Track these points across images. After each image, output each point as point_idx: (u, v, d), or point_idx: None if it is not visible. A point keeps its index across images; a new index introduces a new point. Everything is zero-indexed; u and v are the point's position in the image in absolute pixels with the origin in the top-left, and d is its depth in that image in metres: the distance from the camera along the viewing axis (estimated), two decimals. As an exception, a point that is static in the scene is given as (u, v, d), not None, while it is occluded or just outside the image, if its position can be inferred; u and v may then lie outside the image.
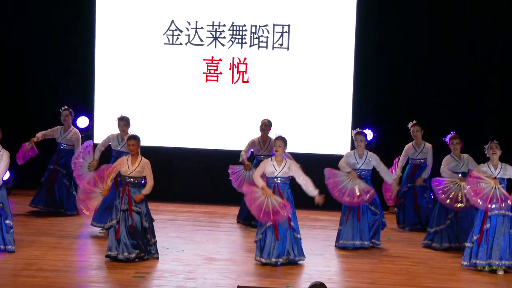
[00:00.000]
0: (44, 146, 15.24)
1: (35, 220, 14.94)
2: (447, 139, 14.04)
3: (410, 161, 14.98)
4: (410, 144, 14.89)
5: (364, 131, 14.90)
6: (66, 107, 15.08)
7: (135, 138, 12.64)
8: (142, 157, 12.63)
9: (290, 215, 12.49)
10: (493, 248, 12.36)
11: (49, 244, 13.46)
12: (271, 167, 12.62)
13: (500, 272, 12.30)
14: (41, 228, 14.40)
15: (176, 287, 11.60)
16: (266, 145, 14.59)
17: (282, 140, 12.70)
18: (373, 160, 13.49)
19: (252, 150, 14.69)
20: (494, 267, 12.34)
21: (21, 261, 12.54)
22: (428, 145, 14.84)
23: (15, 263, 12.54)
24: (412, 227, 14.93)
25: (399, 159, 14.92)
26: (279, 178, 12.59)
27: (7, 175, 16.00)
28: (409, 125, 14.77)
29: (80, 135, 15.15)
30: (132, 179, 12.53)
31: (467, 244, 12.61)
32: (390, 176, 13.87)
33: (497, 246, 12.35)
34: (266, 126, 14.63)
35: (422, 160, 14.87)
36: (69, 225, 14.65)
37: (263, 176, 12.59)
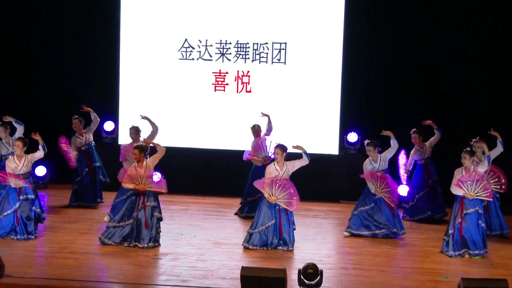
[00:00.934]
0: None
1: (66, 209, 14.97)
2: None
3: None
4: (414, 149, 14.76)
5: (350, 134, 15.02)
6: (76, 116, 14.99)
7: (137, 148, 12.68)
8: (146, 161, 12.70)
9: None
10: (466, 240, 12.43)
11: (79, 230, 13.56)
12: (275, 171, 12.75)
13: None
14: (72, 216, 14.48)
15: (189, 267, 11.70)
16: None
17: (279, 147, 12.83)
18: (385, 158, 13.57)
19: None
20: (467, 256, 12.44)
21: (56, 245, 12.65)
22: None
23: (51, 246, 12.64)
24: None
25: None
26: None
27: (43, 171, 16.13)
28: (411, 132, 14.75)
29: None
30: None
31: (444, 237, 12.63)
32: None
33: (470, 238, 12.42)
34: (256, 131, 14.72)
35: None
36: (97, 214, 14.69)
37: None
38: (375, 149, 13.53)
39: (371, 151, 13.53)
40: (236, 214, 14.98)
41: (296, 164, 12.83)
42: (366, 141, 13.74)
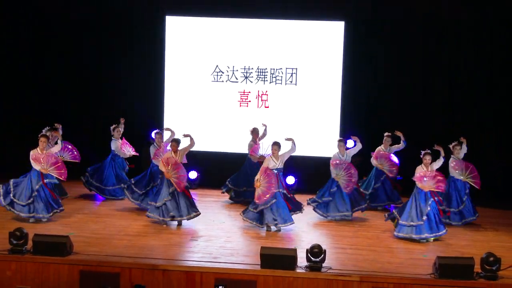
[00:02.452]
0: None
1: (120, 201, 14.90)
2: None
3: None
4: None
5: (348, 140, 14.89)
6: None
7: (175, 141, 13.10)
8: (179, 151, 12.98)
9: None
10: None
11: (131, 217, 13.61)
12: (272, 162, 12.84)
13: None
14: (126, 206, 14.46)
15: (219, 247, 11.75)
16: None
17: (276, 144, 12.98)
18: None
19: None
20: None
21: (114, 228, 12.73)
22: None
23: (110, 230, 12.70)
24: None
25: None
26: (278, 169, 12.85)
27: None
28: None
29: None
30: None
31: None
32: None
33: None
34: (256, 133, 14.82)
35: None
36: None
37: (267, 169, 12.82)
38: (344, 145, 13.86)
39: (342, 146, 13.85)
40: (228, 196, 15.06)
41: (286, 155, 13.03)
42: (338, 139, 14.11)
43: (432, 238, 12.38)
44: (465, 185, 13.63)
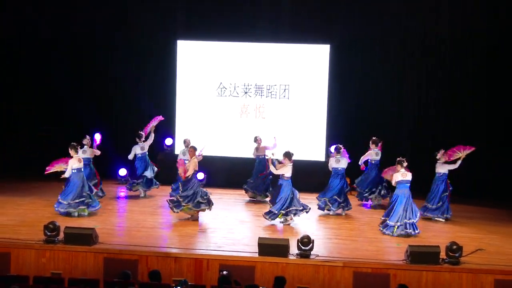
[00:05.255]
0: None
1: (140, 199, 14.84)
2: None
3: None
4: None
5: (332, 146, 14.76)
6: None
7: (193, 148, 12.95)
8: (194, 158, 12.78)
9: None
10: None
11: (148, 212, 13.57)
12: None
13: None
14: (140, 202, 14.40)
15: (223, 237, 11.79)
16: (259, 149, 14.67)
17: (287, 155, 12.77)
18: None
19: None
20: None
21: (132, 222, 12.76)
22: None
23: (128, 223, 12.76)
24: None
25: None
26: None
27: (124, 172, 15.94)
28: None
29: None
30: None
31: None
32: None
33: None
34: (258, 141, 14.77)
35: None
36: (159, 200, 14.50)
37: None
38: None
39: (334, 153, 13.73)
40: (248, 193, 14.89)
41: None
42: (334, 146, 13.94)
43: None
44: (446, 187, 13.34)
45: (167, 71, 16.46)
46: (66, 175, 12.78)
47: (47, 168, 13.11)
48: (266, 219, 12.62)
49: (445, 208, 13.25)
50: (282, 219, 12.65)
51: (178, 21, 16.48)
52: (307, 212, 12.89)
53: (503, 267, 10.53)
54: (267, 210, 12.78)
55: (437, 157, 13.20)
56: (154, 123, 14.66)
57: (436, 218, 13.23)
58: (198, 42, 16.29)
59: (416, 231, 12.05)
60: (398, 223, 12.02)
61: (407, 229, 12.01)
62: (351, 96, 16.16)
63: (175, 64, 16.31)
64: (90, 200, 12.86)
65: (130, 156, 14.54)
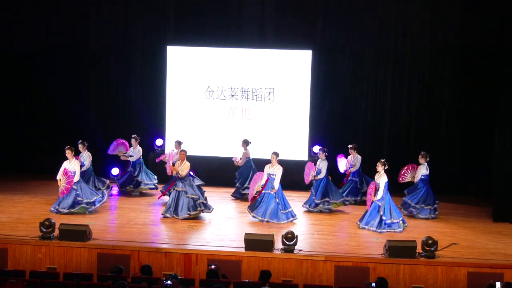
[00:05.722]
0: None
1: (133, 198, 14.88)
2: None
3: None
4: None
5: (314, 146, 14.87)
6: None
7: (184, 151, 12.93)
8: (184, 163, 12.76)
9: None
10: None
11: (140, 209, 13.60)
12: (268, 168, 12.77)
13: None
14: (133, 200, 14.44)
15: (211, 233, 11.91)
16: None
17: (274, 154, 12.87)
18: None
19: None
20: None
21: (124, 219, 12.79)
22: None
23: (121, 220, 12.75)
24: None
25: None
26: (272, 175, 12.75)
27: (116, 171, 15.95)
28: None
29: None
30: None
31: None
32: None
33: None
34: (244, 143, 14.82)
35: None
36: (152, 198, 14.57)
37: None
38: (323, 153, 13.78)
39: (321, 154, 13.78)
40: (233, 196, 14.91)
41: (277, 178, 12.80)
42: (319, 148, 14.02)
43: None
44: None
45: (158, 75, 16.50)
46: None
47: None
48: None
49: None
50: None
51: (168, 28, 16.55)
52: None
53: (475, 260, 10.72)
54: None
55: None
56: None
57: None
58: (187, 48, 16.32)
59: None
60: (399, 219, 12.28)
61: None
62: (332, 98, 16.26)
63: (165, 68, 16.34)
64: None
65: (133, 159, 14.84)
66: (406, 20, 15.93)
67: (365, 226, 12.25)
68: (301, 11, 16.14)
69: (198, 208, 12.72)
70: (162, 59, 16.36)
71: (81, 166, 13.44)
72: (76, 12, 16.44)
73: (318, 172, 13.68)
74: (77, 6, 16.43)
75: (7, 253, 10.76)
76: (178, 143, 14.31)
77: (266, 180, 12.75)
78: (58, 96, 16.55)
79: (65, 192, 12.60)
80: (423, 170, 13.50)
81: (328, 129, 16.13)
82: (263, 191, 12.73)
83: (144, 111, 16.76)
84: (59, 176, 12.70)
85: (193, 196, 12.66)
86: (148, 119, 16.72)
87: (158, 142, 16.34)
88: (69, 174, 12.61)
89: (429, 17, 15.77)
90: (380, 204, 12.23)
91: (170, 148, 15.38)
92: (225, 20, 16.26)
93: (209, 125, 16.32)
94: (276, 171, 12.77)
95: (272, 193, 12.69)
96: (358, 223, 12.43)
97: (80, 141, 14.25)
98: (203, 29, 16.20)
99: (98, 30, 16.56)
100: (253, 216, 12.70)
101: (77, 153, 13.67)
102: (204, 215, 13.05)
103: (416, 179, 13.53)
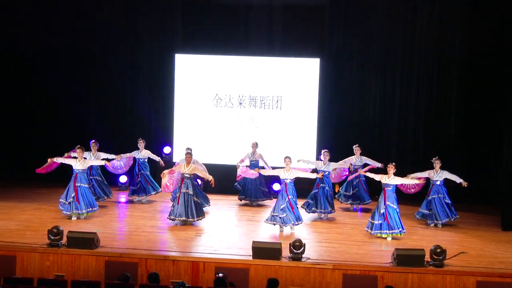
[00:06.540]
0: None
1: (140, 204, 14.86)
2: None
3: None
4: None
5: (323, 150, 14.74)
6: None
7: (189, 153, 12.91)
8: (192, 165, 12.73)
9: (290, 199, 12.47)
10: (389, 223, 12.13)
11: (148, 217, 13.55)
12: (283, 173, 12.58)
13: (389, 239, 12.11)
14: (140, 208, 14.40)
15: (219, 240, 11.81)
16: (253, 155, 14.70)
17: (288, 158, 12.68)
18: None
19: (246, 158, 14.83)
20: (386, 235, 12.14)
21: (132, 226, 12.72)
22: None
23: (129, 227, 12.69)
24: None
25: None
26: (288, 179, 12.52)
27: (124, 179, 15.90)
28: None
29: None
30: (187, 175, 12.67)
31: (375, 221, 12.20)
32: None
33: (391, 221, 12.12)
34: (254, 146, 14.81)
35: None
36: (159, 206, 14.58)
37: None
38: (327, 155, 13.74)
39: (326, 156, 13.74)
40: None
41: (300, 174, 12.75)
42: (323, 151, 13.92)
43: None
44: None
45: (166, 83, 16.51)
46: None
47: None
48: None
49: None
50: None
51: (176, 36, 16.57)
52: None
53: (484, 269, 10.58)
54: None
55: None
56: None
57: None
58: (195, 56, 16.32)
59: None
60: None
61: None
62: (339, 106, 16.20)
63: (173, 76, 16.35)
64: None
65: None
66: (414, 26, 15.85)
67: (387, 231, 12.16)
68: (309, 19, 16.14)
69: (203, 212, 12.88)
70: (170, 67, 16.37)
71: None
72: (76, 12, 16.44)
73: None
74: (77, 6, 16.40)
75: (15, 261, 10.71)
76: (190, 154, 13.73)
77: (285, 184, 12.56)
78: (58, 96, 16.55)
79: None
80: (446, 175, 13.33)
81: (336, 137, 16.06)
82: (294, 199, 12.52)
83: (152, 119, 16.75)
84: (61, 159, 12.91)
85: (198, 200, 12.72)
86: (156, 127, 16.72)
87: (166, 150, 16.29)
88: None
89: (437, 22, 15.67)
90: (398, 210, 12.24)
91: (178, 156, 15.30)
92: (233, 28, 16.29)
93: (217, 133, 16.28)
94: (291, 175, 12.54)
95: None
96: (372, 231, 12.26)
97: (93, 140, 14.11)
98: (211, 37, 16.23)
99: (100, 31, 16.53)
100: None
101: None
102: (212, 222, 13.02)
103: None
